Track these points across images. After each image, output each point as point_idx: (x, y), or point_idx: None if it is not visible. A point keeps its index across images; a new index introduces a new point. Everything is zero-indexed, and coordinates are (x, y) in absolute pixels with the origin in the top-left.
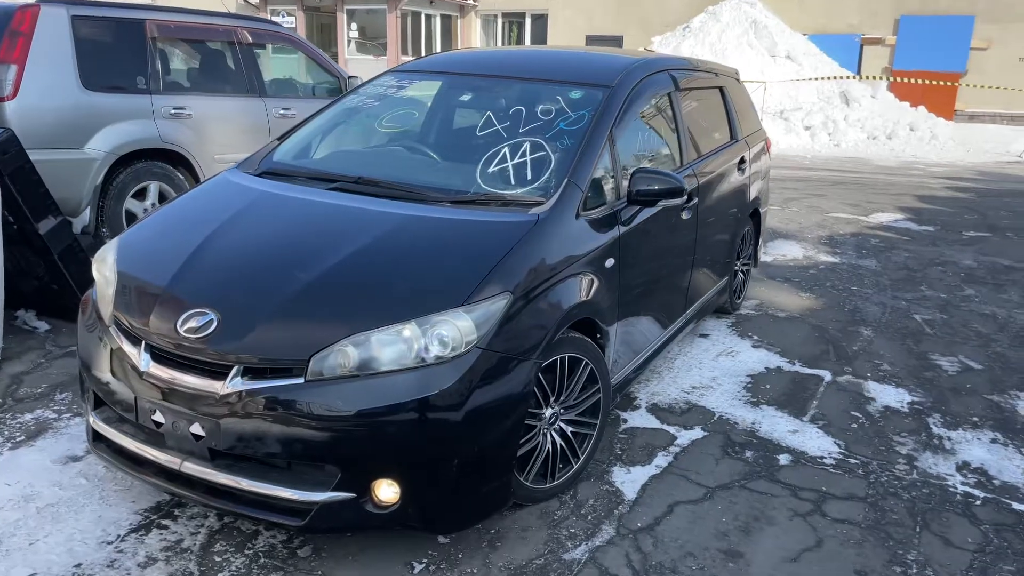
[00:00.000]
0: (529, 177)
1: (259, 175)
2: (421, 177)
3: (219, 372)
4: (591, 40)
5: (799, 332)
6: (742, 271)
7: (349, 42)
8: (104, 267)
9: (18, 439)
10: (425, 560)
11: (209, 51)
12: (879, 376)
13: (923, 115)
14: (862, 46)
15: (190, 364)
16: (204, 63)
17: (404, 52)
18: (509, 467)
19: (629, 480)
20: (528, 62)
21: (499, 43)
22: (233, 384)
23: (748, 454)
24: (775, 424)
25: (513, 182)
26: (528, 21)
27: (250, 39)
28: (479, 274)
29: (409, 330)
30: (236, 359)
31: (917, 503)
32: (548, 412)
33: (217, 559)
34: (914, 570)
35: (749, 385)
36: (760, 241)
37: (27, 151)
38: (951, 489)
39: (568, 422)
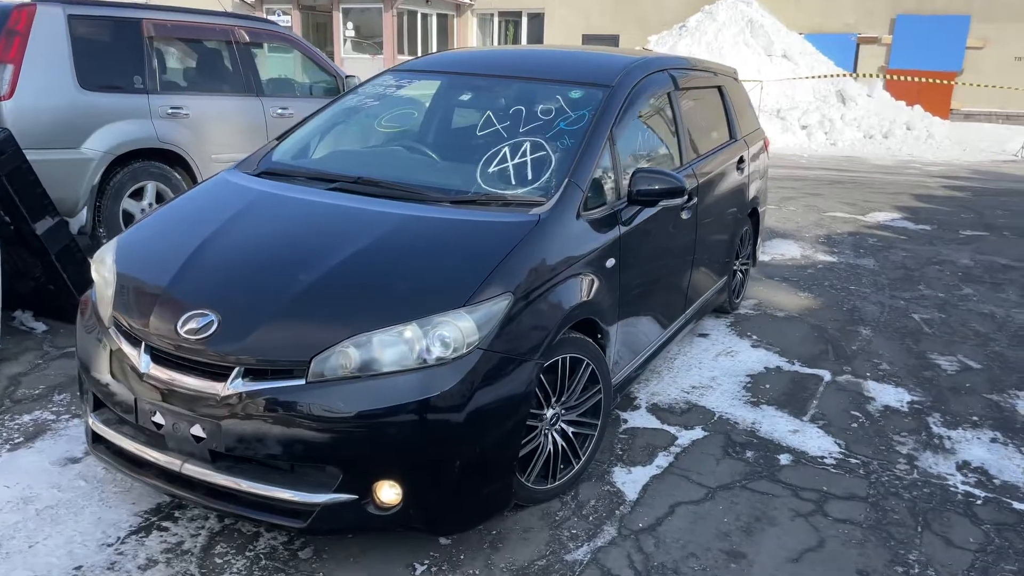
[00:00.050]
0: (529, 177)
1: (258, 175)
2: (421, 177)
3: (220, 373)
4: (587, 39)
5: (798, 332)
6: (741, 271)
7: (345, 41)
8: (103, 268)
9: (16, 441)
10: (427, 561)
11: (206, 50)
12: (878, 375)
13: (919, 114)
14: (858, 45)
15: (190, 365)
16: (201, 62)
17: (400, 51)
18: (511, 468)
19: (630, 480)
20: (528, 61)
21: (495, 42)
22: (234, 385)
23: (749, 454)
24: (775, 424)
25: (513, 182)
26: (524, 20)
27: (247, 38)
28: (480, 275)
29: (410, 331)
30: (237, 360)
31: (918, 503)
32: (549, 413)
33: (218, 561)
34: (916, 570)
35: (749, 385)
36: (758, 240)
37: (23, 151)
38: (952, 489)
39: (569, 423)
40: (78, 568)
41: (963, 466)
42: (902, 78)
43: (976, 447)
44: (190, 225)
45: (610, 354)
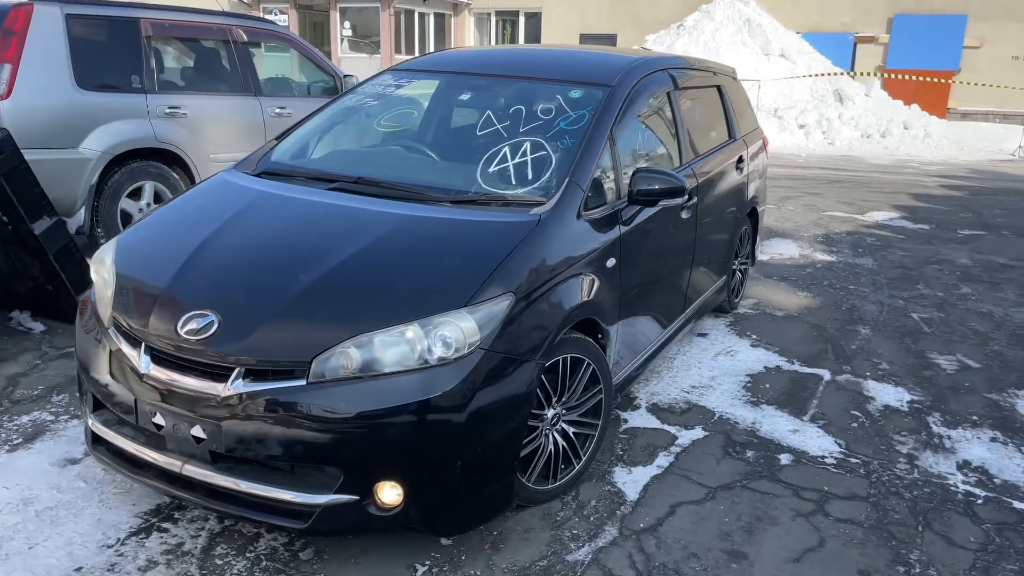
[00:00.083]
0: (530, 177)
1: (257, 175)
2: (421, 177)
3: (220, 374)
4: (585, 38)
5: (797, 331)
6: (740, 270)
7: (342, 40)
8: (102, 268)
9: (15, 442)
10: (428, 562)
11: (204, 50)
12: (878, 375)
13: (916, 113)
14: (855, 44)
15: (191, 366)
16: (199, 62)
17: (398, 50)
18: (512, 468)
19: (631, 480)
20: (527, 61)
21: (493, 42)
22: (234, 386)
23: (749, 454)
24: (775, 424)
25: (514, 182)
26: (522, 19)
27: (245, 38)
28: (481, 275)
29: (412, 331)
30: (237, 361)
31: (919, 502)
32: (550, 413)
33: (218, 562)
34: (917, 570)
35: (748, 384)
36: (757, 240)
37: (21, 151)
38: (952, 488)
39: (570, 423)
40: (78, 569)
41: (963, 465)
42: (899, 77)
43: (976, 446)
44: (190, 225)
45: (611, 354)
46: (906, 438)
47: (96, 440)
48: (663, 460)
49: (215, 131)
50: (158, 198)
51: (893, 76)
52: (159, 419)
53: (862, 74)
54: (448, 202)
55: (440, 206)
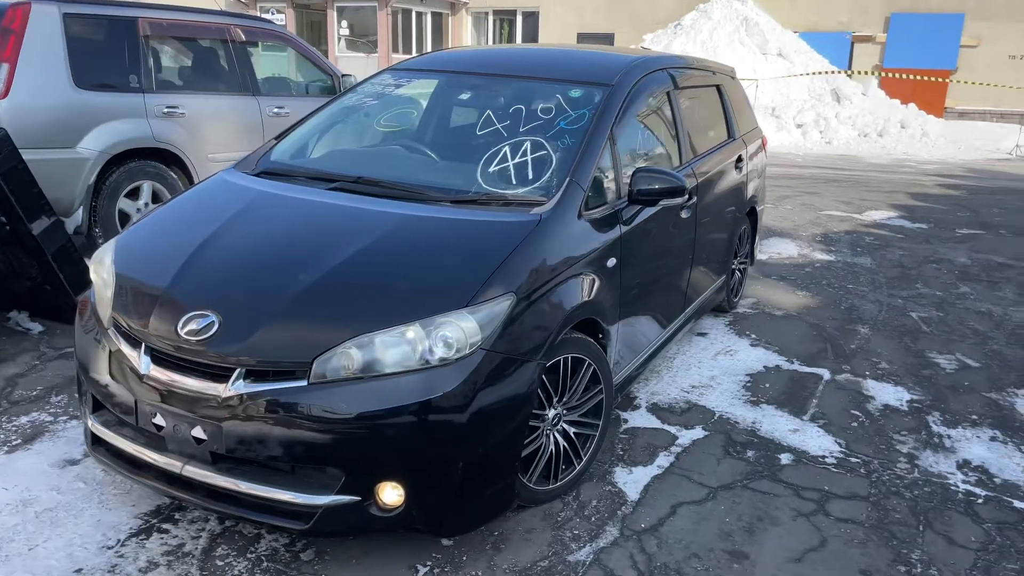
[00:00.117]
0: (530, 176)
1: (257, 175)
2: (421, 177)
3: (220, 375)
4: (582, 38)
5: (796, 330)
6: (739, 269)
7: (339, 39)
8: (102, 268)
9: (14, 443)
10: (429, 563)
11: (202, 49)
12: (877, 374)
13: (914, 112)
14: (853, 43)
15: (191, 367)
16: (197, 61)
17: (395, 50)
18: (513, 469)
19: (631, 481)
20: (527, 60)
21: (490, 41)
22: (235, 387)
23: (749, 454)
24: (775, 423)
25: (514, 182)
26: (519, 19)
27: (243, 37)
28: (482, 275)
29: (413, 332)
30: (237, 361)
31: (919, 502)
32: (551, 413)
33: (219, 563)
34: (918, 569)
35: (748, 384)
36: (756, 239)
37: (19, 151)
38: (952, 488)
39: (571, 423)
40: (78, 571)
41: (963, 465)
42: (897, 76)
43: (976, 446)
44: (189, 225)
45: (611, 354)
46: (906, 437)
47: (96, 441)
48: (664, 460)
49: (213, 131)
50: (156, 198)
51: (890, 75)
52: (159, 420)
53: (859, 73)
54: (448, 202)
55: (440, 206)
